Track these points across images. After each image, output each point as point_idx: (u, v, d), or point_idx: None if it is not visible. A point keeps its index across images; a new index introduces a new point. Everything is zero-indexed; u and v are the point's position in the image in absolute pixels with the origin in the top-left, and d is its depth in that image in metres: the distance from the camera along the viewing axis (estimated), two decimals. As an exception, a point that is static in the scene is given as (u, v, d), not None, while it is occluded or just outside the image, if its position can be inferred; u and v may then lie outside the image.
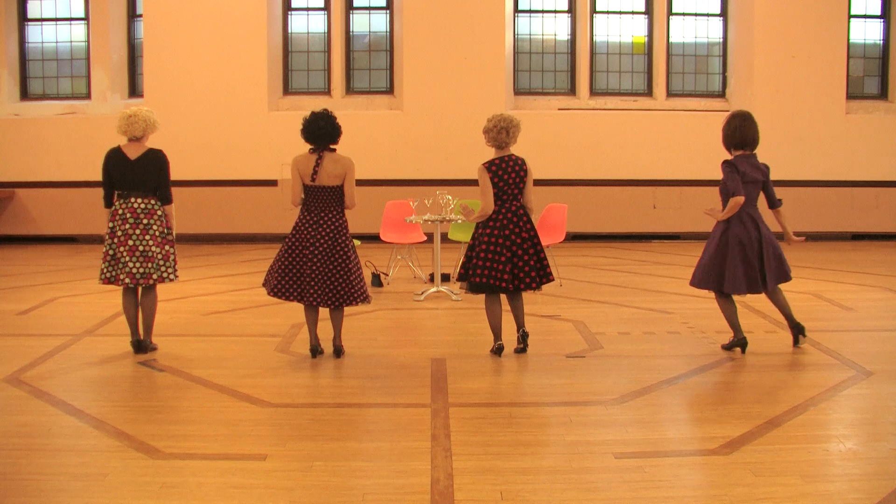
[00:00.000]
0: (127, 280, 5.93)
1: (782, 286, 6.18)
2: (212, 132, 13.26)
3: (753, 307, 7.60)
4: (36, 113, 13.78)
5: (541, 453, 4.19)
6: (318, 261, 5.81)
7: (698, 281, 6.13)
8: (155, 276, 5.99)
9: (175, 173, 14.65)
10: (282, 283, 5.88)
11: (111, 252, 5.98)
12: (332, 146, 5.95)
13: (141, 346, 6.09)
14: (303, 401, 5.16)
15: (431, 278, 8.95)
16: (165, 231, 6.06)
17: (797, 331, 6.20)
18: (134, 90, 13.94)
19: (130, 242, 5.92)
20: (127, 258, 5.92)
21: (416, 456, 4.14)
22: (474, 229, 6.10)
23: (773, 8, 13.31)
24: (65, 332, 6.76)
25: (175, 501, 3.64)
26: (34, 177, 13.35)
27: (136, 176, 5.96)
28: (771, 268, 5.98)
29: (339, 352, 6.02)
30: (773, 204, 6.15)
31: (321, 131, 5.88)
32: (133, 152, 6.01)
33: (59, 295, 8.65)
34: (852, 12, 13.76)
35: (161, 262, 6.01)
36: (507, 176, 5.93)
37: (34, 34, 14.03)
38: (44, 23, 14.00)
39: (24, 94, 14.05)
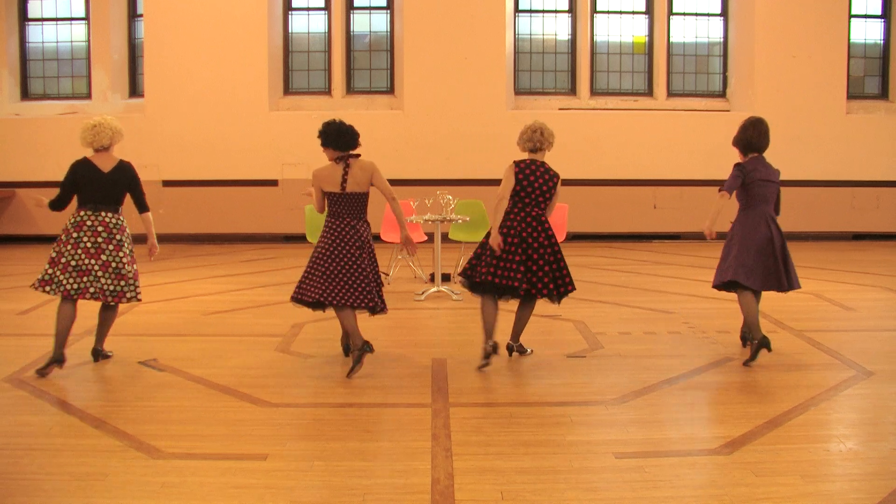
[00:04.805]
0: (99, 296, 5.67)
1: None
2: (212, 132, 13.26)
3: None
4: (36, 113, 13.79)
5: (541, 453, 4.19)
6: (365, 264, 5.71)
7: (717, 280, 6.07)
8: (129, 295, 5.75)
9: (175, 173, 14.58)
10: (329, 288, 5.62)
11: (73, 262, 5.63)
12: (355, 152, 5.83)
13: (98, 354, 5.96)
14: (303, 401, 5.16)
15: (432, 278, 8.95)
16: (132, 249, 5.85)
17: (745, 338, 6.14)
18: (134, 90, 13.95)
19: (104, 258, 5.67)
20: (100, 273, 5.66)
21: (416, 456, 4.14)
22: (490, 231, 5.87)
23: (773, 8, 13.32)
24: (65, 331, 6.75)
25: (175, 501, 3.64)
26: (34, 177, 13.34)
27: (109, 189, 5.74)
28: (790, 270, 5.94)
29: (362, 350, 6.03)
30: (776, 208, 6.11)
31: (347, 135, 5.75)
32: (105, 164, 5.78)
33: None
34: (853, 12, 13.76)
35: (132, 282, 5.77)
36: (534, 179, 5.70)
37: (35, 34, 14.03)
38: (44, 23, 14.00)
39: (25, 94, 14.06)
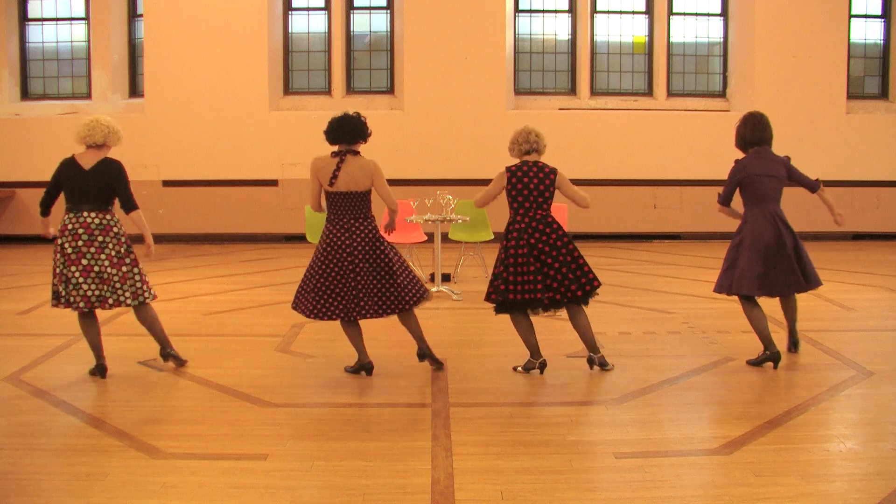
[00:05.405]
0: (81, 304, 5.35)
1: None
2: (212, 132, 13.26)
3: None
4: (36, 113, 13.79)
5: (541, 453, 4.19)
6: (364, 274, 5.40)
7: (717, 285, 5.87)
8: (111, 301, 5.41)
9: (175, 173, 14.56)
10: (321, 304, 5.42)
11: (65, 273, 5.37)
12: (355, 148, 5.57)
13: (167, 355, 5.79)
14: (303, 401, 5.16)
15: (432, 278, 8.94)
16: (123, 250, 5.49)
17: (794, 342, 6.10)
18: (134, 90, 13.94)
19: (84, 262, 5.34)
20: (81, 279, 5.33)
21: (416, 456, 4.14)
22: (500, 248, 5.60)
23: (773, 8, 13.31)
24: (65, 332, 6.76)
25: (175, 501, 3.65)
26: (34, 177, 13.31)
27: (89, 187, 5.39)
28: (806, 269, 5.70)
29: (435, 361, 5.70)
30: (813, 188, 5.87)
31: (344, 129, 5.51)
32: (88, 161, 5.44)
33: (59, 295, 8.64)
34: (853, 12, 13.75)
35: (118, 285, 5.43)
36: (528, 180, 5.49)
37: (35, 34, 14.02)
38: (44, 23, 13.99)
39: (25, 94, 14.06)
